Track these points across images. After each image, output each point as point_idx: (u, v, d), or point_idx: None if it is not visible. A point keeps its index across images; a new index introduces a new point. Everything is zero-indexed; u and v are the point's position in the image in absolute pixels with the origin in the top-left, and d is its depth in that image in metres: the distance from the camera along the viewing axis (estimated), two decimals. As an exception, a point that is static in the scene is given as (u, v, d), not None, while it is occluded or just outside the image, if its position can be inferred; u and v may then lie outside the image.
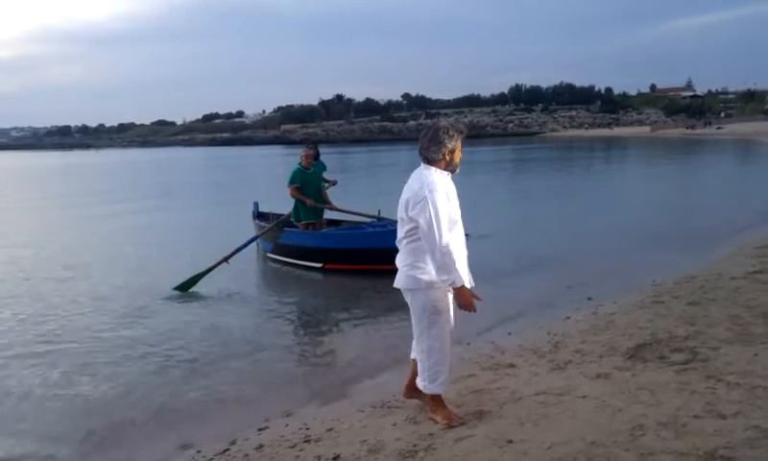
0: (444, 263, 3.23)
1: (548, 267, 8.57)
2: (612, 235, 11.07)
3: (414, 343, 3.76)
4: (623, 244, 10.10)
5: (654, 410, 3.37)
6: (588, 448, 3.01)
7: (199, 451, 3.81)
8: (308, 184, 9.08)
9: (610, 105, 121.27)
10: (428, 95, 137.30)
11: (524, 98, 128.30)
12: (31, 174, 44.07)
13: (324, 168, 9.83)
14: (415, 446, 3.29)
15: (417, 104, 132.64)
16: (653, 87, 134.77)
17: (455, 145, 3.40)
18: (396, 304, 4.96)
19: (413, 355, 3.78)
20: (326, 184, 9.66)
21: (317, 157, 9.60)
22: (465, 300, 3.32)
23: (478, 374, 4.42)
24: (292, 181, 9.01)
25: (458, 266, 3.31)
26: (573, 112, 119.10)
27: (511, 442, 3.18)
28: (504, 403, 3.74)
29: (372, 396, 4.13)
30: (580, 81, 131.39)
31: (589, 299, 6.58)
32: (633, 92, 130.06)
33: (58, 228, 14.75)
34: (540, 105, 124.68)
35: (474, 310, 3.40)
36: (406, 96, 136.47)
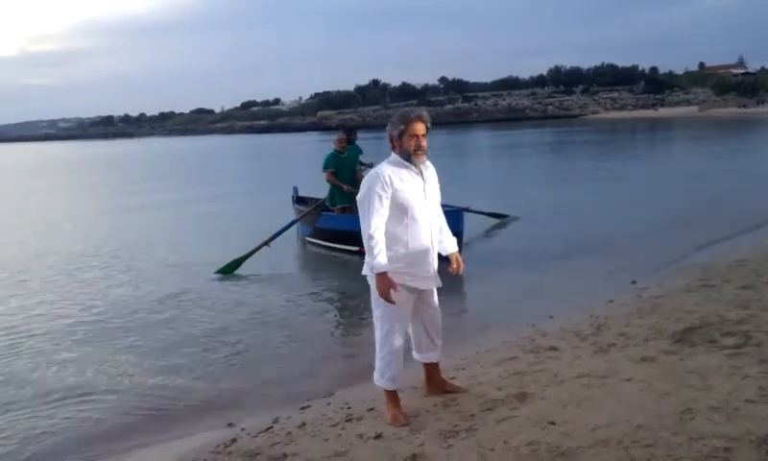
0: (369, 246, 3.23)
1: (591, 250, 8.42)
2: (656, 219, 10.75)
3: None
4: (667, 227, 9.82)
5: (704, 394, 3.28)
6: (633, 430, 2.95)
7: (243, 429, 3.87)
8: (343, 168, 9.15)
9: (654, 85, 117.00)
10: (465, 78, 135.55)
11: (564, 80, 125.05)
12: (79, 164, 45.50)
13: (360, 152, 9.87)
14: (456, 426, 3.28)
15: (454, 87, 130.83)
16: (701, 65, 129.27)
17: (399, 131, 3.35)
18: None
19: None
20: (363, 167, 9.69)
21: (353, 140, 9.64)
22: (380, 287, 3.24)
23: (520, 356, 4.38)
24: (326, 166, 9.12)
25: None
26: (615, 94, 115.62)
27: (553, 423, 3.14)
28: (546, 385, 3.69)
29: (413, 377, 4.11)
30: (623, 61, 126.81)
31: (633, 282, 6.43)
32: (679, 71, 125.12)
33: (99, 215, 15.19)
34: (580, 87, 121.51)
35: (390, 301, 3.26)
36: (443, 80, 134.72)
